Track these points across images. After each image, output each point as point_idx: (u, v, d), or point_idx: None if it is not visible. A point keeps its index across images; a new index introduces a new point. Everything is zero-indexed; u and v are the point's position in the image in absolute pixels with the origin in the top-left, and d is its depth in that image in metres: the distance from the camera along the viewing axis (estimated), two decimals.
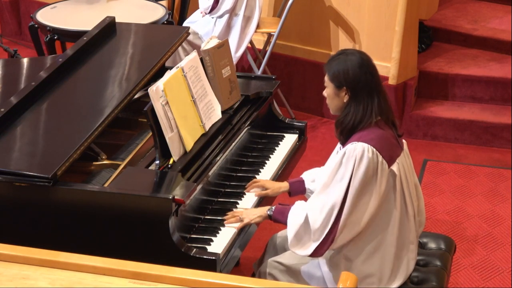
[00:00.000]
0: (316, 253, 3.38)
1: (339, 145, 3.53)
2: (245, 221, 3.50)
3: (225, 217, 3.52)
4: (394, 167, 3.37)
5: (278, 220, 3.48)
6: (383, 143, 3.35)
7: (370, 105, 3.36)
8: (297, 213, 3.41)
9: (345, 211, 3.31)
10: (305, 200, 3.56)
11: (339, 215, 3.32)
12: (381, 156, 3.32)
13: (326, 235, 3.34)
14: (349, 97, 3.37)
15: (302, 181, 3.77)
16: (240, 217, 3.51)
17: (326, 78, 3.42)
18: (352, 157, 3.31)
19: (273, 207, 3.52)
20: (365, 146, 3.31)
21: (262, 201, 3.75)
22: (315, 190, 3.68)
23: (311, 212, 3.36)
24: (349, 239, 3.38)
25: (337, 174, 3.34)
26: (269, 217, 3.51)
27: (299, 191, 3.78)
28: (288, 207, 3.47)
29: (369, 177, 3.31)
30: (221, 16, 5.73)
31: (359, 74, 3.35)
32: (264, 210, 3.52)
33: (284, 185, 3.79)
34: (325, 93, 3.45)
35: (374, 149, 3.31)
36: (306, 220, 3.37)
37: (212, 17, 5.76)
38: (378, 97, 3.37)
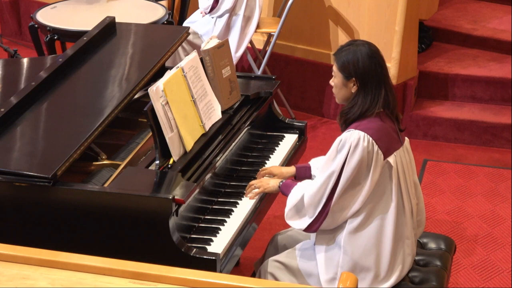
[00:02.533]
0: (309, 229, 3.46)
1: None
2: (260, 189, 3.65)
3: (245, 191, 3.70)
4: (391, 159, 3.38)
5: (283, 192, 3.60)
6: (381, 133, 3.36)
7: (377, 97, 3.37)
8: (298, 189, 3.51)
9: (336, 195, 3.37)
10: None
11: (330, 198, 3.37)
12: (377, 146, 3.33)
13: (318, 213, 3.41)
14: (358, 88, 3.38)
15: (309, 167, 3.81)
16: (255, 185, 3.66)
17: (334, 68, 3.42)
18: (347, 143, 3.33)
19: (284, 180, 3.64)
20: (361, 134, 3.32)
21: (264, 196, 3.76)
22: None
23: (307, 192, 3.44)
24: (336, 223, 3.43)
25: (330, 159, 3.39)
26: (279, 187, 3.63)
27: (304, 177, 3.81)
28: (294, 183, 3.57)
29: (362, 166, 3.33)
30: (221, 16, 5.73)
31: (368, 65, 3.35)
32: (277, 182, 3.65)
33: (291, 170, 3.83)
34: (332, 82, 3.45)
35: (371, 138, 3.32)
36: (302, 198, 3.45)
37: (212, 17, 5.76)
38: (385, 89, 3.39)
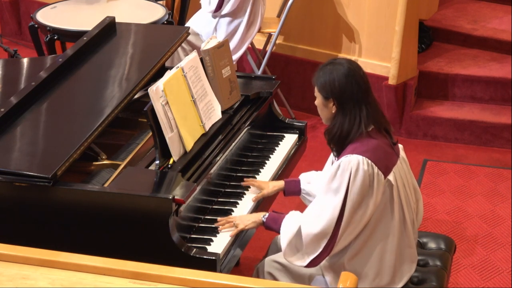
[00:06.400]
0: (311, 265, 3.38)
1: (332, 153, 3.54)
2: (239, 227, 3.48)
3: (218, 223, 3.50)
4: (391, 177, 3.35)
5: (271, 227, 3.47)
6: (378, 153, 3.33)
7: (358, 116, 3.33)
8: (290, 223, 3.39)
9: (343, 225, 3.30)
10: (299, 201, 3.60)
11: (336, 229, 3.31)
12: (376, 168, 3.30)
13: (323, 248, 3.33)
14: (337, 108, 3.36)
15: (298, 181, 3.77)
16: (234, 223, 3.49)
17: (315, 88, 3.42)
18: (347, 170, 3.28)
19: (267, 214, 3.50)
20: (360, 158, 3.28)
21: (261, 202, 3.75)
22: (311, 194, 3.68)
23: (305, 225, 3.34)
24: (343, 247, 3.37)
25: (331, 187, 3.31)
26: (263, 223, 3.49)
27: (294, 192, 3.77)
28: (282, 216, 3.45)
29: (365, 190, 3.29)
30: (223, 16, 5.71)
31: (344, 85, 3.32)
32: (258, 216, 3.50)
33: (280, 184, 3.79)
34: (316, 103, 3.45)
35: (369, 161, 3.29)
36: (299, 232, 3.35)
37: (214, 18, 5.74)
38: (366, 107, 3.34)
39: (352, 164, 3.28)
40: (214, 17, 5.74)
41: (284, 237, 3.39)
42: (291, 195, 3.80)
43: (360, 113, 3.33)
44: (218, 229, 3.48)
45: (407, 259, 3.48)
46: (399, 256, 3.44)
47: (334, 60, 3.42)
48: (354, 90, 3.33)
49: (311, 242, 3.33)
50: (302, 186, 3.75)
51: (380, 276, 3.43)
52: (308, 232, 3.32)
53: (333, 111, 3.37)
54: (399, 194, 3.39)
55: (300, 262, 3.39)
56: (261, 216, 3.50)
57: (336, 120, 3.36)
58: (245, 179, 3.81)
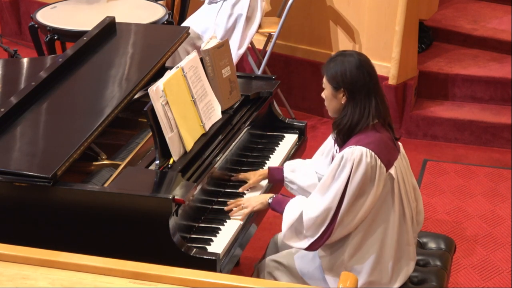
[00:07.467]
0: (311, 248, 3.41)
1: (333, 144, 3.54)
2: (248, 209, 3.54)
3: (228, 207, 3.57)
4: (392, 171, 3.36)
5: (275, 209, 3.53)
6: (381, 146, 3.34)
7: (368, 107, 3.35)
8: (293, 207, 3.44)
9: (341, 213, 3.33)
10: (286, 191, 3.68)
11: (334, 216, 3.34)
12: (379, 160, 3.32)
13: (322, 233, 3.37)
14: (347, 99, 3.37)
15: (281, 169, 3.78)
16: (242, 205, 3.56)
17: (324, 79, 3.42)
18: (349, 161, 3.30)
19: (274, 196, 3.55)
20: (363, 150, 3.30)
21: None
22: (294, 182, 3.73)
23: (306, 211, 3.38)
24: (342, 236, 3.39)
25: (334, 177, 3.34)
26: (268, 205, 3.55)
27: (277, 179, 3.79)
28: (287, 199, 3.50)
29: (366, 181, 3.31)
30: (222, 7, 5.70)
31: (356, 75, 3.34)
32: (265, 198, 3.56)
33: (264, 172, 3.82)
34: (323, 94, 3.45)
35: (373, 153, 3.30)
36: (301, 217, 3.39)
37: (213, 4, 5.73)
38: (375, 99, 3.37)
39: (355, 155, 3.30)
40: (210, 2, 5.73)
41: (286, 220, 3.43)
42: (275, 183, 3.82)
43: (369, 104, 3.35)
44: (229, 214, 3.55)
45: (405, 256, 3.48)
46: (398, 252, 3.45)
47: (344, 51, 3.44)
48: (366, 81, 3.35)
49: (311, 226, 3.37)
50: (285, 174, 3.77)
51: (378, 272, 3.43)
52: (308, 217, 3.37)
53: (342, 102, 3.38)
54: (399, 188, 3.40)
55: (300, 244, 3.42)
56: (268, 198, 3.55)
57: (346, 111, 3.37)
58: (234, 175, 3.83)
